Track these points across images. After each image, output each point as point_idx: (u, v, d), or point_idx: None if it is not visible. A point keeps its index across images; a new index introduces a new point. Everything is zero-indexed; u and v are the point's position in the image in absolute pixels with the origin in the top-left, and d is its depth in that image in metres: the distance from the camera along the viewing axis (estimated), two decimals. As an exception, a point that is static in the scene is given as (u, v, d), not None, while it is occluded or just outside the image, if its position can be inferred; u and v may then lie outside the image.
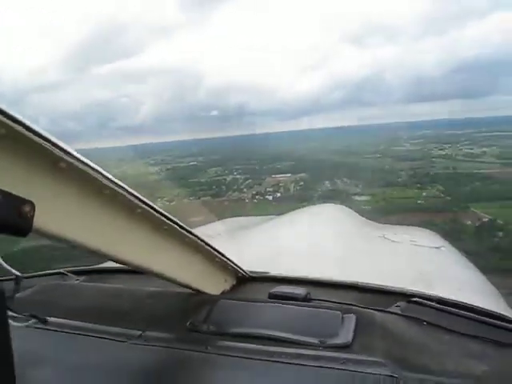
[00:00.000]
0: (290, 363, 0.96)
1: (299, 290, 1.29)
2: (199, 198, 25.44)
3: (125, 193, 0.88)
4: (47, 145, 0.71)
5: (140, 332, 1.11)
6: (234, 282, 1.44)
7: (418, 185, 22.62)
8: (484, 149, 27.93)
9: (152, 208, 0.96)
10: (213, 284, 1.34)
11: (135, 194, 0.91)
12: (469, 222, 16.07)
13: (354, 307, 1.19)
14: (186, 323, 1.16)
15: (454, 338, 1.06)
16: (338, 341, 1.03)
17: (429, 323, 1.12)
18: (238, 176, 28.69)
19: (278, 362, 0.96)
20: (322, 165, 30.07)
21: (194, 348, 1.04)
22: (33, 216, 0.71)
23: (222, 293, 1.38)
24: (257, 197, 24.56)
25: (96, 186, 0.83)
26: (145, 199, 0.94)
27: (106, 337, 1.11)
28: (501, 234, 14.13)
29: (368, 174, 25.14)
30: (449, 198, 20.41)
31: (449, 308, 1.16)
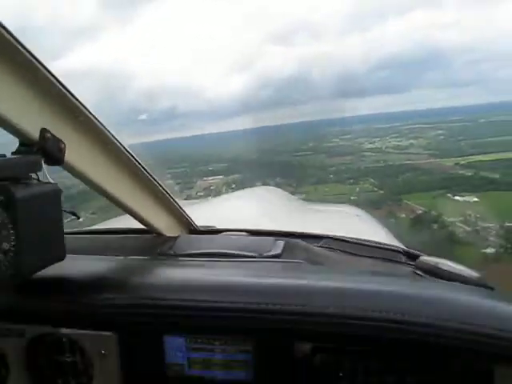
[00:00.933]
0: (238, 263, 1.31)
1: (242, 233, 1.62)
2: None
3: (121, 147, 1.22)
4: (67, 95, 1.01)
5: (123, 257, 1.39)
6: (187, 233, 1.70)
7: (351, 180, 22.41)
8: (411, 141, 28.43)
9: (137, 161, 1.28)
10: (173, 230, 1.60)
11: (126, 148, 1.24)
12: (403, 215, 15.83)
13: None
14: (157, 251, 1.44)
15: (358, 257, 1.44)
16: (271, 253, 1.36)
17: (341, 251, 1.48)
18: (168, 181, 27.44)
19: (229, 262, 1.31)
20: (255, 165, 29.48)
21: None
22: (65, 152, 1.02)
23: None
24: (186, 201, 23.55)
25: (101, 140, 1.16)
26: (132, 152, 1.25)
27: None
28: (435, 226, 13.93)
29: (300, 171, 24.81)
30: (382, 191, 20.24)
31: (355, 241, 1.55)
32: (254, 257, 1.35)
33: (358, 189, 20.98)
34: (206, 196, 23.66)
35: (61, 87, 0.97)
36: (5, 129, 0.92)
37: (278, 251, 1.37)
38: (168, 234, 1.58)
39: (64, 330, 1.11)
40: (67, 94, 1.00)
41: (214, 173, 28.54)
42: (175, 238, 1.51)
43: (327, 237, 1.56)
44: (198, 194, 24.51)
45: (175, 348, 1.08)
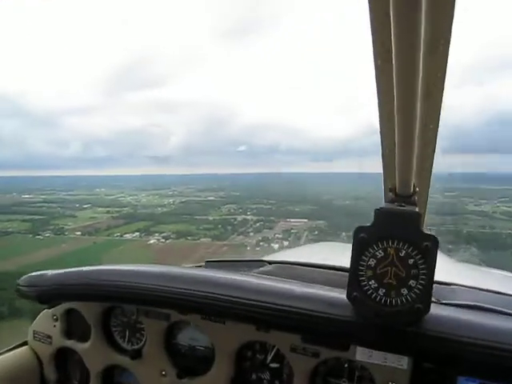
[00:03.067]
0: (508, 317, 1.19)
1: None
2: (198, 239, 23.42)
3: None
4: None
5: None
6: None
7: (450, 246, 19.70)
8: (525, 209, 25.33)
9: None
10: None
11: None
12: None
13: None
14: None
15: None
16: None
17: None
18: (249, 216, 26.47)
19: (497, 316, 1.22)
20: (345, 211, 27.66)
21: None
22: None
23: None
24: (261, 243, 21.98)
25: None
26: None
27: None
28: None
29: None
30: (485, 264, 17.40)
31: None
32: None
33: (456, 257, 18.22)
34: (285, 239, 22.40)
35: None
36: None
37: None
38: None
39: (358, 357, 1.21)
40: None
41: (299, 214, 27.15)
42: None
43: None
44: (276, 235, 23.34)
45: None
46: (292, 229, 24.03)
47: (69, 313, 1.79)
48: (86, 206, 29.45)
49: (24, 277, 1.74)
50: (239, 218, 26.52)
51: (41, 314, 1.86)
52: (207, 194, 34.73)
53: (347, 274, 1.41)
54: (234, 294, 1.28)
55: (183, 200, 33.52)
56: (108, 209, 29.27)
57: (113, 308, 1.69)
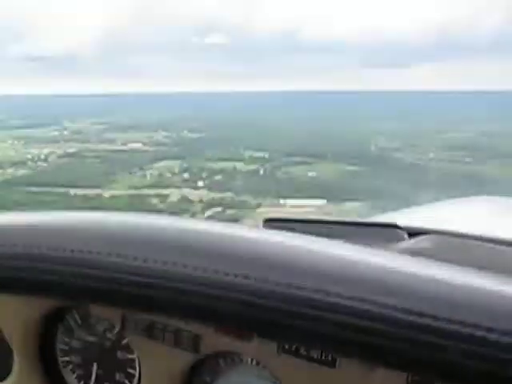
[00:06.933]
0: None
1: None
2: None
3: None
4: None
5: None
6: None
7: None
8: None
9: None
10: None
11: None
12: None
13: None
14: None
15: None
16: None
17: None
18: (199, 191, 12.41)
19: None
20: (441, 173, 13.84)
21: None
22: None
23: None
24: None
25: None
26: None
27: None
28: None
29: None
30: None
31: None
32: None
33: None
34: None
35: None
36: None
37: None
38: None
39: None
40: None
41: (313, 188, 13.06)
42: None
43: None
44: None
45: None
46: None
47: None
48: None
49: None
50: (175, 194, 12.35)
51: None
52: (133, 137, 19.44)
53: None
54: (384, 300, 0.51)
55: (71, 150, 18.86)
56: None
57: (63, 312, 0.84)
